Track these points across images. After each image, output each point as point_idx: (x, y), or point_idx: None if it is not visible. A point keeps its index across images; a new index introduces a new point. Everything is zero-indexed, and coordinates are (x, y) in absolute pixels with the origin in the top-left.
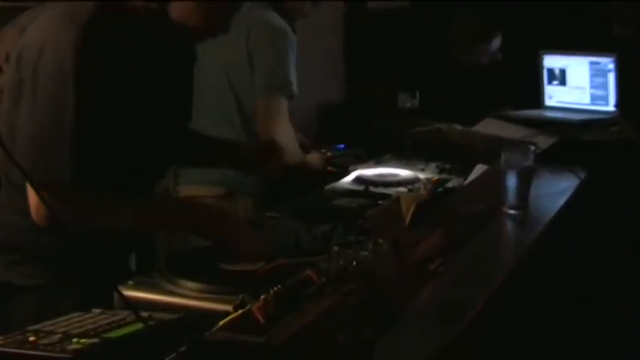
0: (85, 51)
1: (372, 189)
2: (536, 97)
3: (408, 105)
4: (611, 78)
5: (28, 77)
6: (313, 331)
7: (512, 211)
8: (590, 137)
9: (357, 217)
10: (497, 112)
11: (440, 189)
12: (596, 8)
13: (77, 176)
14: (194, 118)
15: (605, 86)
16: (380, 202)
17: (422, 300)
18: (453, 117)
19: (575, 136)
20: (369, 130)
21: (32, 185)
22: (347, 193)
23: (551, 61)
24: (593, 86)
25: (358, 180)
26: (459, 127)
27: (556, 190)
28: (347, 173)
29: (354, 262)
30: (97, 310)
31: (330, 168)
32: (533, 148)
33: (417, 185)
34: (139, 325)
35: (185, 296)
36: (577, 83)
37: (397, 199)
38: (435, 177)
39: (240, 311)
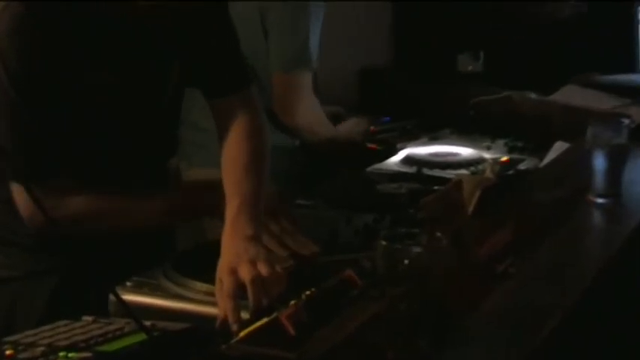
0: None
1: (425, 171)
2: (629, 60)
3: (470, 69)
4: None
5: None
6: (355, 344)
7: (600, 200)
8: None
9: (408, 205)
10: (582, 78)
11: (510, 171)
12: None
13: (34, 164)
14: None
15: None
16: (436, 187)
17: (488, 308)
18: (526, 83)
19: None
20: (422, 100)
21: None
22: (395, 176)
23: None
24: None
25: (409, 160)
26: (533, 96)
27: None
28: (394, 152)
29: (405, 261)
30: (88, 318)
31: (372, 145)
32: (626, 121)
33: (481, 167)
34: (140, 337)
35: (196, 301)
36: None
37: (458, 183)
38: (504, 157)
39: (264, 320)
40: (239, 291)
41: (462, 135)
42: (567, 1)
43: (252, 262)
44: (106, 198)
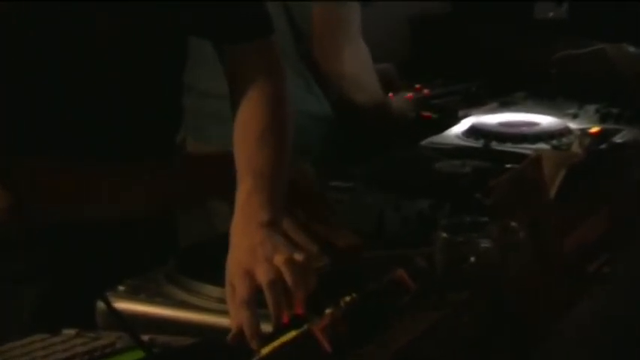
0: None
1: (495, 145)
2: None
3: (551, 15)
4: None
5: None
6: None
7: None
8: None
9: (473, 188)
10: None
11: (603, 145)
12: None
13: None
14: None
15: None
16: (508, 165)
17: (577, 316)
18: (621, 34)
19: None
20: (489, 55)
21: None
22: (456, 151)
23: None
24: None
25: (473, 131)
26: (632, 49)
27: None
28: (455, 122)
29: (471, 258)
30: (70, 331)
31: (427, 113)
32: None
33: (566, 140)
34: (136, 355)
35: (206, 309)
36: None
37: (536, 160)
38: (595, 127)
39: (293, 333)
40: (256, 296)
41: (541, 100)
42: None
43: (270, 259)
44: (89, 174)
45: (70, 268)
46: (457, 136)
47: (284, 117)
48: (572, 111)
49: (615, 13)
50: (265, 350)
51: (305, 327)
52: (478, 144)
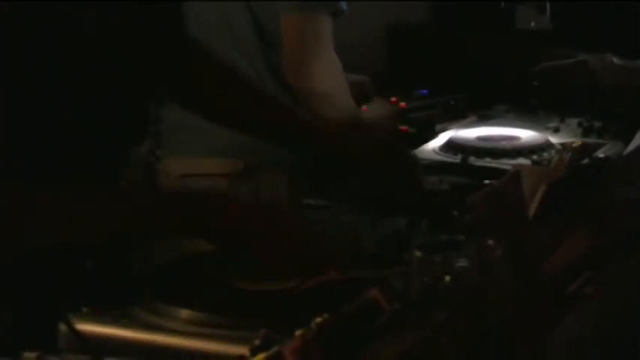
0: None
1: (473, 161)
2: None
3: (533, 25)
4: None
5: None
6: None
7: None
8: None
9: (451, 205)
10: None
11: (585, 160)
12: None
13: None
14: None
15: None
16: (487, 181)
17: (558, 340)
18: (605, 44)
19: None
20: (468, 67)
21: None
22: (433, 167)
23: None
24: None
25: (451, 146)
26: (615, 61)
27: None
28: (433, 136)
29: (448, 278)
30: (30, 354)
31: (404, 127)
32: None
33: (547, 155)
34: None
35: (174, 332)
36: None
37: (516, 176)
38: (577, 141)
39: (262, 356)
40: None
41: (522, 113)
42: None
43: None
44: (37, 195)
45: (31, 290)
46: (434, 151)
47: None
48: (553, 124)
49: (598, 22)
50: None
51: (275, 349)
52: (456, 159)
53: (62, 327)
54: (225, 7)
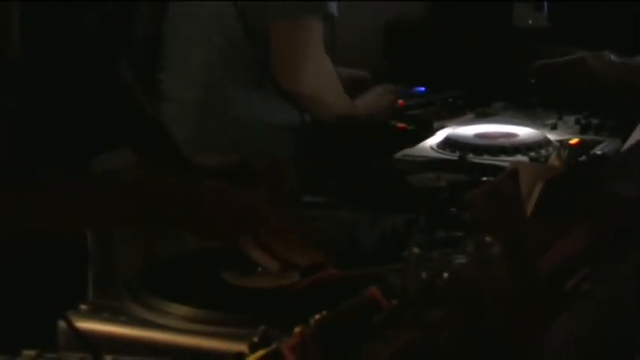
0: None
1: (471, 158)
2: None
3: (530, 22)
4: None
5: None
6: None
7: None
8: None
9: (449, 202)
10: None
11: (582, 157)
12: None
13: None
14: (177, 51)
15: None
16: (485, 178)
17: (554, 338)
18: (604, 41)
19: None
20: (466, 64)
21: None
22: (431, 164)
23: None
24: None
25: (449, 143)
26: (613, 58)
27: None
28: (430, 133)
29: (446, 275)
30: (29, 352)
31: (402, 124)
32: None
33: (545, 152)
34: None
35: (173, 329)
36: None
37: (513, 173)
38: (575, 138)
39: (261, 353)
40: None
41: (519, 110)
42: None
43: None
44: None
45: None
46: (432, 148)
47: None
48: (551, 122)
49: (596, 19)
50: None
51: (273, 346)
52: (454, 156)
53: (61, 324)
54: (214, 15)
